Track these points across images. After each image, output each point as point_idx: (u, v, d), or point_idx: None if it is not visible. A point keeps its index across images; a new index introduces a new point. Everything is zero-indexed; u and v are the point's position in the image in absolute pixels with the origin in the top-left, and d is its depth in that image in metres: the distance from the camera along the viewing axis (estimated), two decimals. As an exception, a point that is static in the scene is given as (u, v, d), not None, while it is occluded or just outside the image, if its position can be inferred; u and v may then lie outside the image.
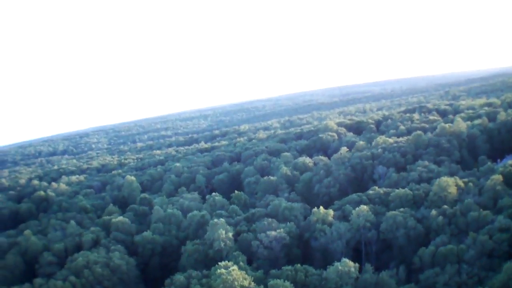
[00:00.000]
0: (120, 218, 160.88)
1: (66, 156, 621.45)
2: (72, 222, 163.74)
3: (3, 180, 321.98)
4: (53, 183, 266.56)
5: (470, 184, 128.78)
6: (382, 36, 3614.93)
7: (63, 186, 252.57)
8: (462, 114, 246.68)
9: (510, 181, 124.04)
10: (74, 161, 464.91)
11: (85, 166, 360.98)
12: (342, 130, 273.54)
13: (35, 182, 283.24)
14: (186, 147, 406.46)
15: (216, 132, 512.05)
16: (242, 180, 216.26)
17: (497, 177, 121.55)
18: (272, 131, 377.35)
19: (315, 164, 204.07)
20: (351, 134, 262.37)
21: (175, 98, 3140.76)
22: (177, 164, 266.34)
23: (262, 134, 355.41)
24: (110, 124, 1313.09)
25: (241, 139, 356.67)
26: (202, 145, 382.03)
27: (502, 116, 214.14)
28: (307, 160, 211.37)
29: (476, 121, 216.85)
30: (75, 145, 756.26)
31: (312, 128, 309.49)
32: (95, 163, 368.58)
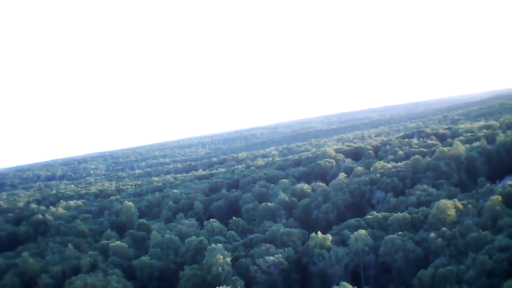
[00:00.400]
0: (118, 242, 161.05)
1: (65, 181, 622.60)
2: (70, 245, 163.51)
3: (1, 203, 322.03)
4: (51, 207, 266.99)
5: (469, 206, 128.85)
6: (379, 63, 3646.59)
7: (61, 210, 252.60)
8: (461, 137, 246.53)
9: (509, 201, 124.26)
10: (73, 186, 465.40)
11: (83, 191, 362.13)
12: (341, 156, 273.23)
13: (33, 205, 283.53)
14: (184, 174, 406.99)
15: (214, 159, 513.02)
16: (240, 206, 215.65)
17: (496, 198, 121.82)
18: (271, 159, 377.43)
19: (313, 190, 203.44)
20: (349, 160, 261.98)
21: (173, 125, 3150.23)
22: (175, 191, 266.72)
23: (260, 161, 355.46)
24: (109, 151, 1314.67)
25: (239, 166, 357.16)
26: (200, 172, 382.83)
27: (501, 137, 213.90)
28: (305, 186, 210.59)
29: (475, 144, 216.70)
30: (73, 170, 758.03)
31: (310, 155, 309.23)
32: (93, 189, 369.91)
